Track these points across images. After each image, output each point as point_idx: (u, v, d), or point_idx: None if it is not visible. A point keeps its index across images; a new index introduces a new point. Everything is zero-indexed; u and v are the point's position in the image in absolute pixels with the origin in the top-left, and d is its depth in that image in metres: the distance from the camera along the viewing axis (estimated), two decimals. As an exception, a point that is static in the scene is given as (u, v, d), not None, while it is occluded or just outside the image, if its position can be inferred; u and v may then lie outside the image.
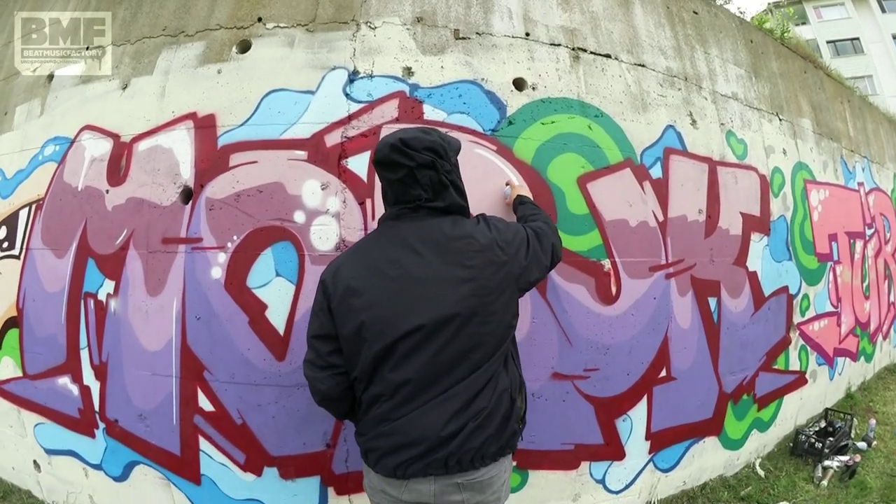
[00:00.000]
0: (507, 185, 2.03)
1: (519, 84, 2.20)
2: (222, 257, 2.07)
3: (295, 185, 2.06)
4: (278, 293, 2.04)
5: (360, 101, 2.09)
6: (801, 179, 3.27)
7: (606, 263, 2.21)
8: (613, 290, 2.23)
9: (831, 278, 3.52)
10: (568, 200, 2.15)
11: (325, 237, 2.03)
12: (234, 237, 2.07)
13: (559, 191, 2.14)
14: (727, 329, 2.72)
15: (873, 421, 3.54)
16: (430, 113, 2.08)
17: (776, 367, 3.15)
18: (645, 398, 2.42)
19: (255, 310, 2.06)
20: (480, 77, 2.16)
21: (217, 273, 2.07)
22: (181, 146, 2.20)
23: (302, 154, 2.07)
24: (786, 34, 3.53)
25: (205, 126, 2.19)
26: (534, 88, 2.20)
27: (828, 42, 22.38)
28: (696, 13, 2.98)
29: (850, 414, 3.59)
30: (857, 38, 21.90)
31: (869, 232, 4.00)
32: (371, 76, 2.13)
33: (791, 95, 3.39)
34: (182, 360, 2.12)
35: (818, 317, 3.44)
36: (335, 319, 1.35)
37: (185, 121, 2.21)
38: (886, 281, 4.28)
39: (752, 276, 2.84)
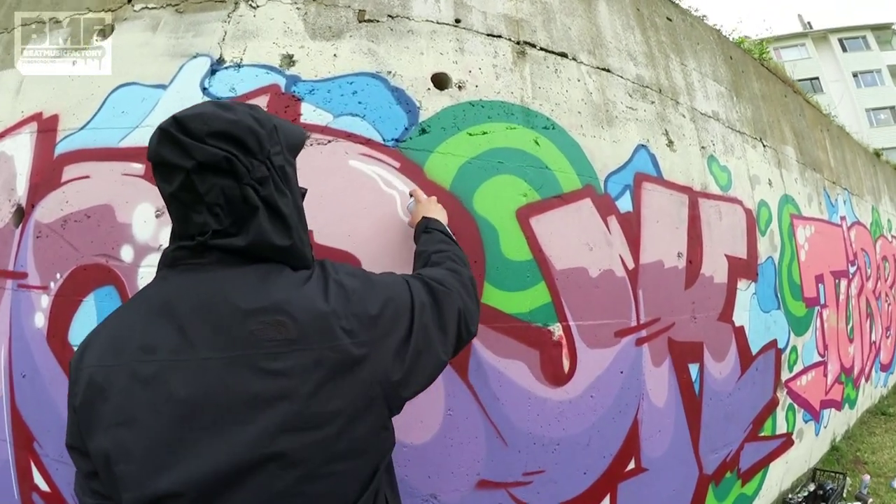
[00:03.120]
0: (410, 195, 1.26)
1: (440, 81, 1.44)
2: (45, 301, 1.41)
3: (125, 210, 1.37)
4: (96, 358, 1.27)
5: (219, 98, 1.34)
6: (787, 214, 2.55)
7: (556, 329, 1.43)
8: (566, 365, 1.45)
9: (818, 325, 2.79)
10: (502, 241, 1.37)
11: (152, 285, 1.25)
12: (58, 275, 1.41)
13: (489, 228, 1.37)
14: (710, 400, 1.95)
15: (867, 476, 2.87)
16: (310, 114, 1.31)
17: (763, 434, 2.39)
18: (607, 500, 1.63)
19: (75, 374, 1.30)
20: (387, 70, 1.40)
21: (40, 321, 1.42)
22: (22, 154, 1.57)
23: (139, 168, 1.38)
24: (764, 55, 2.87)
25: (46, 130, 1.55)
26: (460, 87, 1.45)
27: (786, 82, 21.93)
28: (669, 20, 2.28)
29: (842, 473, 2.86)
30: (817, 78, 20.76)
31: (852, 270, 3.31)
32: (239, 65, 1.40)
33: (774, 120, 2.70)
34: (13, 424, 1.46)
35: (805, 370, 2.70)
36: (81, 428, 0.65)
37: (31, 123, 1.59)
38: (868, 320, 3.58)
39: (739, 333, 2.09)
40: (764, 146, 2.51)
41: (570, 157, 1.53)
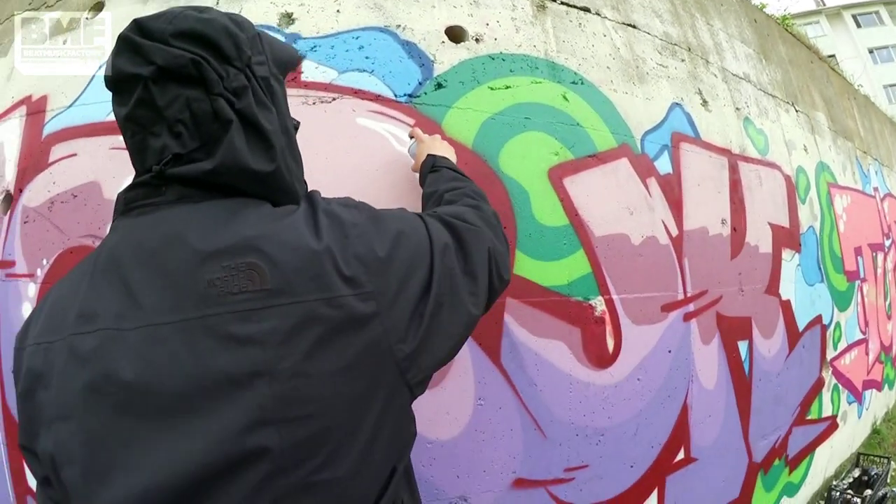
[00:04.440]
0: (410, 137, 1.02)
1: (455, 34, 1.22)
2: (32, 289, 1.24)
3: (112, 185, 1.19)
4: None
5: None
6: (824, 182, 2.26)
7: (599, 303, 1.18)
8: (610, 344, 1.20)
9: (859, 300, 2.48)
10: (534, 204, 1.14)
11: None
12: (44, 261, 1.24)
13: (519, 189, 1.13)
14: (759, 381, 1.68)
15: (911, 460, 2.53)
16: (312, 72, 1.10)
17: (810, 417, 2.09)
18: (654, 495, 1.38)
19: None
20: (396, 24, 1.18)
21: (28, 310, 1.24)
22: (12, 139, 1.42)
23: (126, 139, 1.18)
24: (787, 21, 2.57)
25: (35, 112, 1.39)
26: (477, 40, 1.22)
27: (805, 62, 19.83)
28: (691, -19, 2.02)
29: (886, 457, 2.55)
30: (833, 56, 18.25)
31: (887, 243, 2.97)
32: None
33: (803, 85, 2.41)
34: (5, 423, 1.28)
35: (849, 348, 2.39)
36: (27, 425, 0.48)
37: (20, 107, 1.43)
38: (905, 297, 3.23)
39: (786, 307, 1.81)
40: (796, 111, 2.22)
41: (603, 114, 1.28)
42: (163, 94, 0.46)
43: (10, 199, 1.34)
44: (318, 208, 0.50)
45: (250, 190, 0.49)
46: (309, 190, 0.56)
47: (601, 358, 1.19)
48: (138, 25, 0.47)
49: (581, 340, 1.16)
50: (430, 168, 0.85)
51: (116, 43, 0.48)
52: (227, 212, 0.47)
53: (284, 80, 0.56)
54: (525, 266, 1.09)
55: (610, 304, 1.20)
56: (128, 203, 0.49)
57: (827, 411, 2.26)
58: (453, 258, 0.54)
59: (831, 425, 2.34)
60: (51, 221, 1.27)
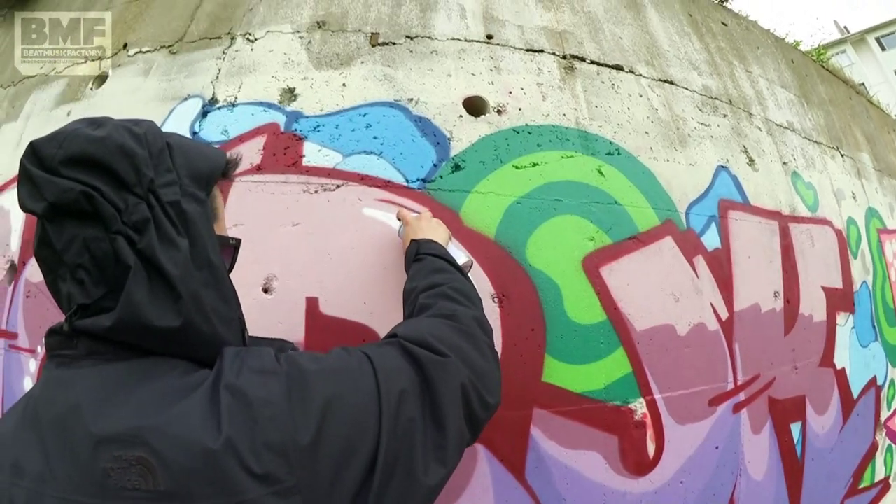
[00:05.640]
0: (398, 219, 0.85)
1: (475, 106, 1.05)
2: (33, 365, 1.16)
3: None
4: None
5: (211, 142, 1.02)
6: (874, 230, 1.95)
7: (639, 406, 0.98)
8: (651, 449, 0.99)
9: (912, 353, 2.13)
10: (567, 300, 0.95)
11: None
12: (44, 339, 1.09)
13: (549, 284, 0.95)
14: (812, 461, 1.41)
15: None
16: (314, 155, 0.96)
17: (862, 486, 1.78)
18: None
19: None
20: (407, 97, 1.03)
21: (29, 386, 1.16)
22: (18, 208, 1.30)
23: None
24: (822, 56, 2.27)
25: None
26: (500, 112, 1.05)
27: (834, 93, 18.01)
28: (724, 24, 1.79)
29: None
30: (863, 83, 16.89)
31: (939, 286, 2.58)
32: (234, 104, 1.08)
33: (845, 125, 2.11)
34: None
35: (902, 406, 2.05)
36: None
37: None
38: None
39: (840, 376, 1.53)
40: (842, 155, 1.93)
41: (643, 188, 1.08)
42: (59, 235, 0.38)
43: (15, 269, 1.27)
44: (220, 384, 0.37)
45: (159, 349, 0.39)
46: (244, 334, 0.45)
47: (640, 465, 0.98)
48: (33, 150, 0.39)
49: (618, 449, 0.96)
50: (414, 257, 0.69)
51: (19, 169, 0.40)
52: (131, 380, 0.37)
53: (210, 194, 0.44)
54: (556, 372, 0.90)
55: (652, 405, 0.99)
56: (50, 350, 0.41)
57: (880, 475, 1.93)
58: (414, 406, 0.42)
59: (883, 488, 2.00)
60: (50, 300, 1.19)
